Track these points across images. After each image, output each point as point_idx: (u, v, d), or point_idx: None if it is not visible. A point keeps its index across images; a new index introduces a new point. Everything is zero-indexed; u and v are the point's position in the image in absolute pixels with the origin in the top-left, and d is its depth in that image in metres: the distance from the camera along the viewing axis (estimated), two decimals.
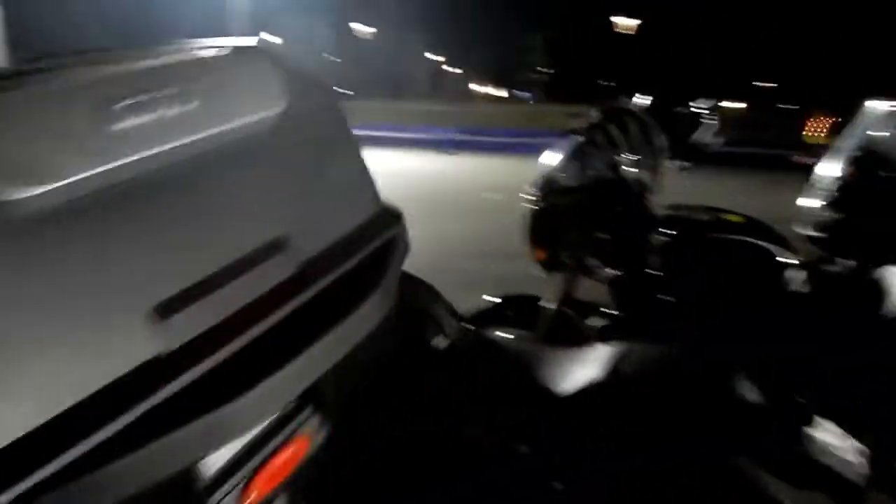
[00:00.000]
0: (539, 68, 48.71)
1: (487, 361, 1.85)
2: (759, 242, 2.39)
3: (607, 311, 2.61)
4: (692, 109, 2.82)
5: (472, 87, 57.17)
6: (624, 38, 38.71)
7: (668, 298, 2.47)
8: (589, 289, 2.73)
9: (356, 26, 49.95)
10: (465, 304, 2.68)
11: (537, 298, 2.74)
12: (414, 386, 1.70)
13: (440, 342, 1.81)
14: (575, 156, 2.54)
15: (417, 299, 1.94)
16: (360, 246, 1.11)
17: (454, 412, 1.68)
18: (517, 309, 2.87)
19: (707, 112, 2.82)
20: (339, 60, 43.40)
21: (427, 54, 53.03)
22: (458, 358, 1.81)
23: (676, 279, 2.49)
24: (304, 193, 1.04)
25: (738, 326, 2.23)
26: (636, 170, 2.53)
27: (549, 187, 2.57)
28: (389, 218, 1.25)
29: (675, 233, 2.51)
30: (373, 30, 48.27)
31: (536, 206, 2.58)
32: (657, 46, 39.44)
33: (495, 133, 22.33)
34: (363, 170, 1.24)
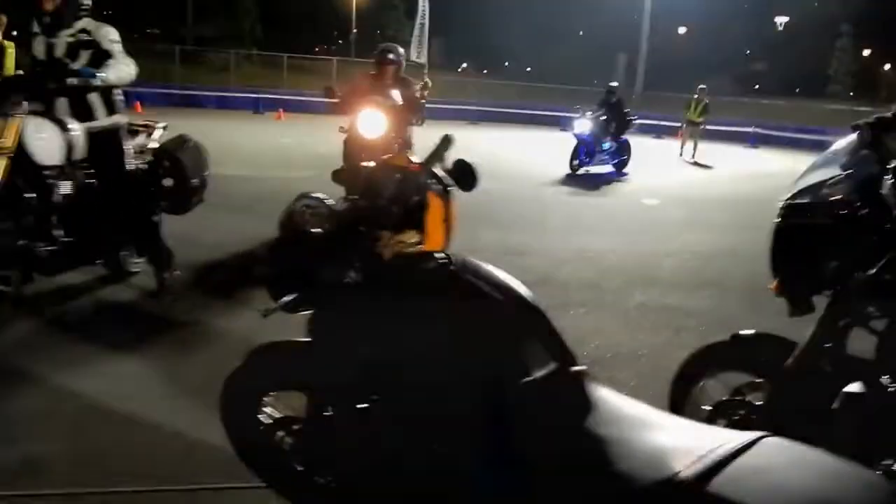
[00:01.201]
0: None
1: (559, 413, 1.47)
2: None
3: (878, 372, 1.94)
4: None
5: None
6: None
7: None
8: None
9: (779, 19, 45.99)
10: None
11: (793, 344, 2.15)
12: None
13: (519, 378, 1.48)
14: (847, 162, 1.90)
15: (515, 330, 1.60)
16: None
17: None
18: (766, 350, 2.30)
19: None
20: (748, 53, 40.18)
21: (860, 49, 46.69)
22: (529, 397, 1.46)
23: None
24: None
25: None
26: None
27: (809, 199, 1.96)
28: None
29: None
30: (786, 18, 43.87)
31: (787, 221, 1.99)
32: None
33: None
34: None
